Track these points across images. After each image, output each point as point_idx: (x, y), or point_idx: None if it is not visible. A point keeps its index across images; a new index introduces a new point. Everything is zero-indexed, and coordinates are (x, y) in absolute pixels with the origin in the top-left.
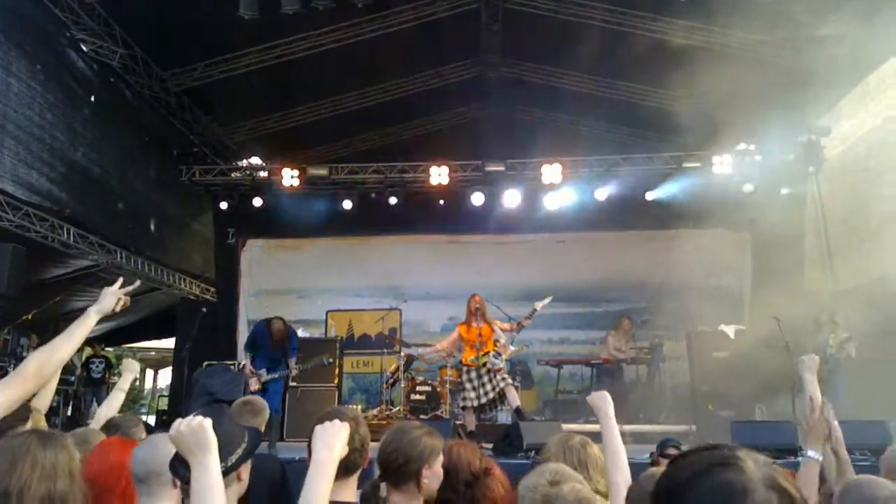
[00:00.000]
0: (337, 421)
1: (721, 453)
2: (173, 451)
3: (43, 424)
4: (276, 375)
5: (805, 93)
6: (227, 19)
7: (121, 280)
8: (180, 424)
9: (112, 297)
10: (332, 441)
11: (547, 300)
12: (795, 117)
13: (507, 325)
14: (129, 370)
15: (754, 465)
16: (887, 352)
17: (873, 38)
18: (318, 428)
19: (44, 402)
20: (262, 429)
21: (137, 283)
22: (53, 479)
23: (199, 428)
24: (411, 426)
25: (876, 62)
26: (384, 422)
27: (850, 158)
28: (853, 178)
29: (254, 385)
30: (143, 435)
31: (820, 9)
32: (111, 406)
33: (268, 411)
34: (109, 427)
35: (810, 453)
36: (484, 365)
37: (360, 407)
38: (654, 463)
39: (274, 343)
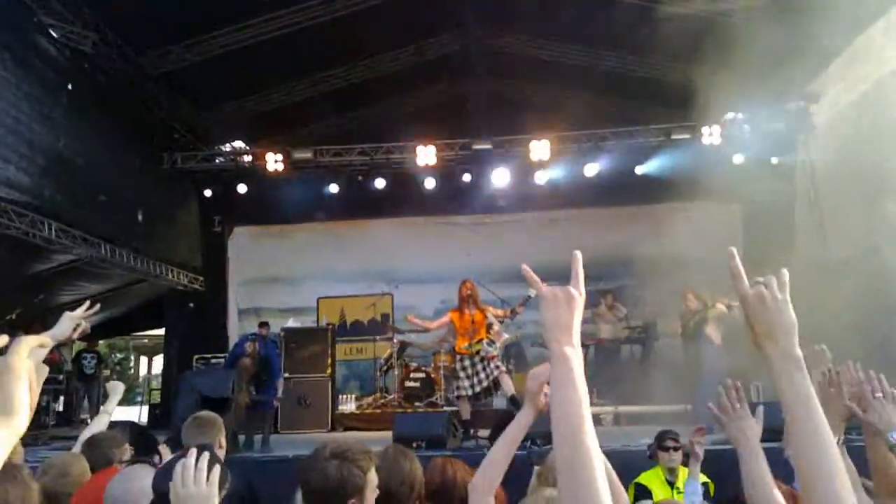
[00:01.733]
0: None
1: None
2: (149, 484)
3: (18, 449)
4: (262, 399)
5: (793, 59)
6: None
7: (86, 304)
8: (182, 484)
9: (70, 323)
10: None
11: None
12: (783, 84)
13: (500, 312)
14: (115, 392)
15: None
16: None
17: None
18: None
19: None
20: (220, 440)
21: (97, 306)
22: None
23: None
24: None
25: (863, 24)
26: (379, 410)
27: (840, 124)
28: (844, 144)
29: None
30: (127, 455)
31: None
32: (94, 430)
33: (219, 422)
34: (91, 445)
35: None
36: (477, 353)
37: (354, 395)
38: (651, 456)
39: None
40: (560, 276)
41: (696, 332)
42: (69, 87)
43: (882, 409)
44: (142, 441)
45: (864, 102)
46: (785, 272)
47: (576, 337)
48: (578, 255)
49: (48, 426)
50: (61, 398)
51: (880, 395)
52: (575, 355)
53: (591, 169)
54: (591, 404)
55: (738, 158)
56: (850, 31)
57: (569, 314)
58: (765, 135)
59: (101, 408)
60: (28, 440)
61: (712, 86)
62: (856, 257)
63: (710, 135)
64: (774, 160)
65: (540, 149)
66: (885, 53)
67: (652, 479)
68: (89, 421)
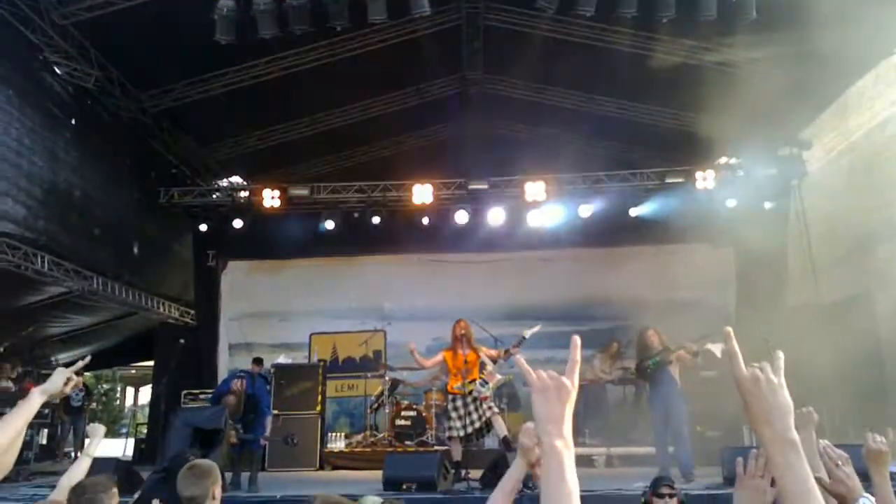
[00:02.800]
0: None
1: None
2: None
3: None
4: (249, 437)
5: (786, 107)
6: (204, 41)
7: (84, 360)
8: None
9: (61, 377)
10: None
11: (536, 328)
12: (776, 131)
13: (493, 353)
14: (96, 434)
15: None
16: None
17: (852, 52)
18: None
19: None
20: (214, 491)
21: (88, 358)
22: None
23: None
24: None
25: (855, 75)
26: (369, 449)
27: (832, 171)
28: (836, 191)
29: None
30: (116, 500)
31: (798, 27)
32: (74, 475)
33: (216, 473)
34: (76, 491)
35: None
36: (470, 393)
37: (343, 433)
38: (646, 503)
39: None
40: (552, 315)
41: (658, 372)
42: (72, 121)
43: (847, 479)
44: (126, 479)
45: (855, 151)
46: (780, 354)
47: (567, 428)
48: (577, 341)
49: (30, 461)
50: (44, 431)
51: (839, 463)
52: (565, 447)
53: (586, 210)
54: (583, 445)
55: (731, 203)
56: (842, 83)
57: (560, 407)
58: (758, 180)
59: (82, 452)
60: (10, 475)
61: (706, 131)
62: (846, 302)
63: (704, 179)
64: (767, 205)
65: (535, 189)
66: (875, 105)
67: None
68: (74, 454)
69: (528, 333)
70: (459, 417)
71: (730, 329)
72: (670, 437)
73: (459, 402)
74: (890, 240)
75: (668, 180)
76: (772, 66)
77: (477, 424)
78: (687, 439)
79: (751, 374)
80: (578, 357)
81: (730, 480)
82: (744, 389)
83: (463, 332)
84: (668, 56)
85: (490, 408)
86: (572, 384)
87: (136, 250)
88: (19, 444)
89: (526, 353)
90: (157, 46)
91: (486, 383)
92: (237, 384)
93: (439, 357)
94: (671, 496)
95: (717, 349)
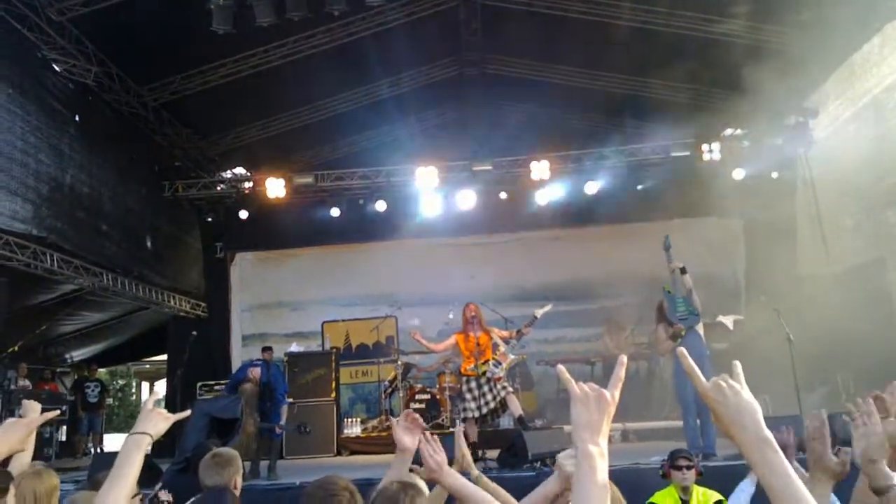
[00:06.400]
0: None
1: None
2: None
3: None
4: (268, 426)
5: (790, 75)
6: (202, 32)
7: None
8: None
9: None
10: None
11: (547, 307)
12: (782, 100)
13: (505, 333)
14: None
15: None
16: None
17: (856, 17)
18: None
19: (23, 464)
20: (236, 480)
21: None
22: None
23: None
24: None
25: (859, 41)
26: (385, 433)
27: (839, 139)
28: (843, 158)
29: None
30: (134, 492)
31: None
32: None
33: (238, 462)
34: (97, 485)
35: None
36: (483, 374)
37: (359, 419)
38: (664, 475)
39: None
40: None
41: (686, 339)
42: (76, 118)
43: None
44: (146, 472)
45: (862, 118)
46: (737, 364)
47: (603, 438)
48: (624, 359)
49: (51, 457)
50: (63, 428)
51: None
52: (599, 454)
53: (592, 187)
54: None
55: (738, 174)
56: (846, 48)
57: (599, 416)
58: (764, 150)
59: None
60: None
61: (711, 102)
62: (858, 269)
63: (710, 151)
64: (774, 175)
65: (540, 169)
66: (881, 70)
67: (666, 498)
68: (94, 449)
69: (539, 313)
70: (474, 399)
71: (684, 350)
72: (698, 409)
73: (473, 384)
74: None
75: (674, 153)
76: (775, 35)
77: (492, 405)
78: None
79: (713, 384)
80: (623, 374)
81: None
82: (709, 399)
83: (473, 314)
84: (669, 28)
85: (504, 388)
86: (612, 398)
87: (143, 245)
88: (33, 445)
89: (537, 333)
90: (154, 39)
91: (500, 364)
92: (254, 372)
93: (451, 340)
94: (688, 468)
95: (728, 321)
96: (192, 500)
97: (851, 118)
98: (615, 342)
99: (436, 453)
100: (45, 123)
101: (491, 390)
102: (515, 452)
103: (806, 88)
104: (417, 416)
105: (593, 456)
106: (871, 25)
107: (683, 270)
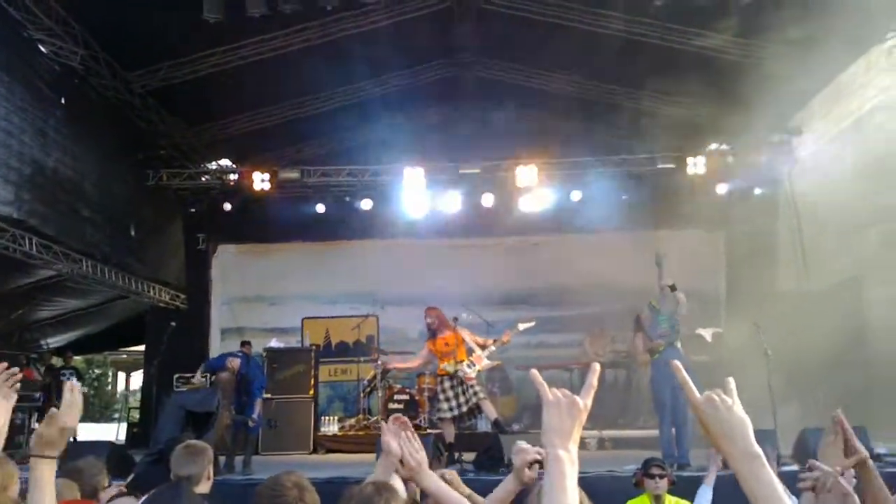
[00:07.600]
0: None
1: None
2: None
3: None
4: (242, 419)
5: (777, 93)
6: (192, 20)
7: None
8: None
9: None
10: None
11: (530, 324)
12: (767, 117)
13: (481, 340)
14: None
15: None
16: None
17: (844, 39)
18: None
19: None
20: (209, 471)
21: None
22: None
23: None
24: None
25: (846, 62)
26: (362, 432)
27: (823, 158)
28: (826, 177)
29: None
30: (106, 482)
31: (790, 12)
32: None
33: (210, 453)
34: (71, 473)
35: None
36: (456, 373)
37: (336, 417)
38: (637, 484)
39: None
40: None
41: (666, 351)
42: (62, 100)
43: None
44: (120, 463)
45: (846, 138)
46: (730, 380)
47: (573, 444)
48: (597, 367)
49: (23, 445)
50: (36, 416)
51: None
52: (568, 459)
53: (577, 195)
54: None
55: (721, 188)
56: (832, 69)
57: (570, 422)
58: (749, 166)
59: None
60: None
61: (697, 116)
62: (836, 288)
63: (695, 165)
64: (758, 191)
65: (527, 174)
66: (867, 92)
67: None
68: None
69: (521, 327)
70: (447, 399)
71: (678, 362)
72: (674, 418)
73: (447, 384)
74: (881, 225)
75: (660, 165)
76: (763, 52)
77: (464, 408)
78: (691, 423)
79: (706, 397)
80: (595, 382)
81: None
82: (701, 412)
83: (431, 319)
84: (660, 41)
85: (476, 393)
86: (584, 405)
87: (124, 233)
88: (5, 431)
89: (517, 338)
90: (143, 25)
91: (474, 365)
92: (233, 362)
93: (424, 352)
94: (661, 476)
95: (707, 334)
96: (152, 491)
97: (835, 137)
98: (595, 349)
99: (416, 452)
100: (31, 104)
101: (464, 392)
102: (492, 455)
103: (792, 106)
104: (406, 419)
105: (563, 461)
106: (858, 47)
107: (673, 288)
